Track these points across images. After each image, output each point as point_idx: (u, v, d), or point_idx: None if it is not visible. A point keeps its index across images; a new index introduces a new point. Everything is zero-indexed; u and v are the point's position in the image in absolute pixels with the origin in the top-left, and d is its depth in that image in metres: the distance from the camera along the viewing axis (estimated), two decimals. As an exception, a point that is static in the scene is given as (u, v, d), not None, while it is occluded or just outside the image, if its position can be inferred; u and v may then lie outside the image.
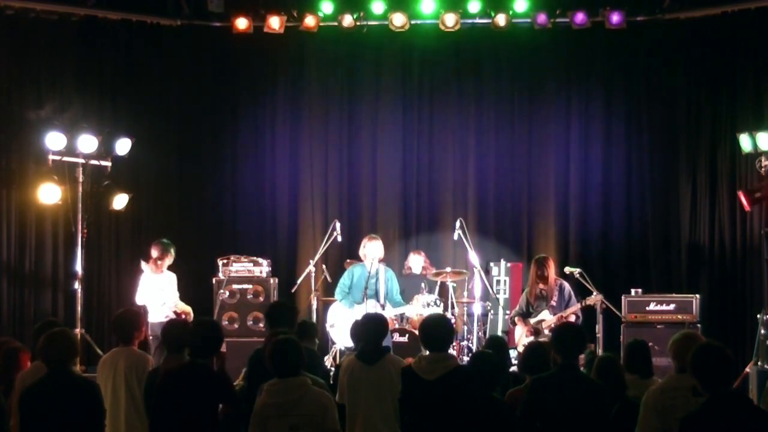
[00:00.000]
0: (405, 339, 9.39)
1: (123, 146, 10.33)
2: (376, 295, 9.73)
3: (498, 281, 10.95)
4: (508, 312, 10.21)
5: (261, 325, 9.96)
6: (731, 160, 10.67)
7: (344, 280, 9.92)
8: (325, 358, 9.39)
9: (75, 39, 10.87)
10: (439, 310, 9.58)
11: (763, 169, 9.77)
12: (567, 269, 9.71)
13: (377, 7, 11.03)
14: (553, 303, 9.32)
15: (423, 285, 9.87)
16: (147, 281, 9.35)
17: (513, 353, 8.80)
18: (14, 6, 10.51)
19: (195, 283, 10.33)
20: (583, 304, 9.25)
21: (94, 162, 10.22)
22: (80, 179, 10.14)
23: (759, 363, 8.71)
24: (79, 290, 10.06)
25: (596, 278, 9.75)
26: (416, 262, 10.25)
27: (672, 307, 9.61)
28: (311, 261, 10.22)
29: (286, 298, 9.83)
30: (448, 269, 10.13)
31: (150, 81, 11.31)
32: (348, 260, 10.39)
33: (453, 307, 9.94)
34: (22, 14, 10.56)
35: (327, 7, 11.10)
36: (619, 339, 9.57)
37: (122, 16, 11.10)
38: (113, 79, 11.12)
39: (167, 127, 11.47)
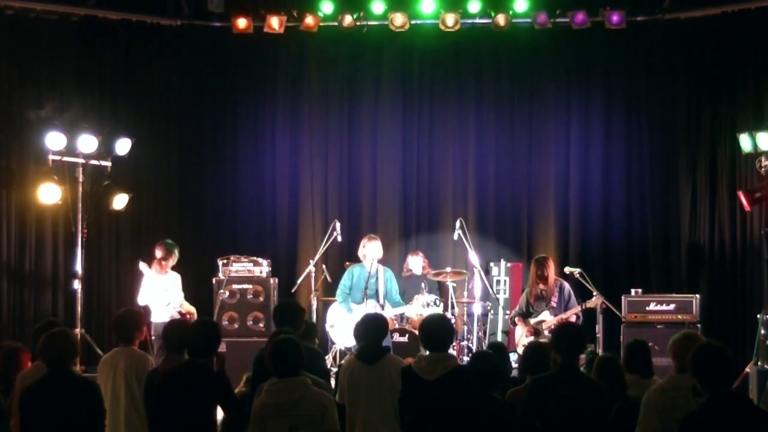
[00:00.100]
0: (405, 339, 9.40)
1: (123, 146, 10.33)
2: (375, 295, 9.74)
3: (498, 281, 10.95)
4: (508, 312, 10.21)
5: (261, 325, 9.96)
6: (731, 160, 10.67)
7: (345, 282, 9.93)
8: (325, 358, 9.38)
9: (75, 39, 10.86)
10: (439, 310, 9.59)
11: (763, 169, 9.77)
12: (567, 269, 9.71)
13: (377, 7, 11.02)
14: (554, 303, 9.32)
15: (423, 285, 9.88)
16: (150, 282, 9.34)
17: (513, 356, 8.79)
18: (14, 6, 10.50)
19: (195, 283, 10.33)
20: (584, 306, 9.25)
21: (94, 162, 10.21)
22: (80, 179, 10.14)
23: (759, 363, 8.71)
24: (79, 290, 10.06)
25: (596, 278, 9.75)
26: (415, 263, 10.25)
27: (672, 307, 9.61)
28: (311, 261, 10.22)
29: (293, 298, 9.84)
30: (448, 269, 10.13)
31: (150, 81, 11.31)
32: (347, 262, 10.39)
33: (453, 307, 9.94)
34: (22, 14, 10.56)
35: (327, 7, 11.10)
36: (619, 339, 9.57)
37: (122, 16, 11.10)
38: (113, 79, 11.12)
39: (167, 127, 11.47)
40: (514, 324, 9.61)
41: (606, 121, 11.47)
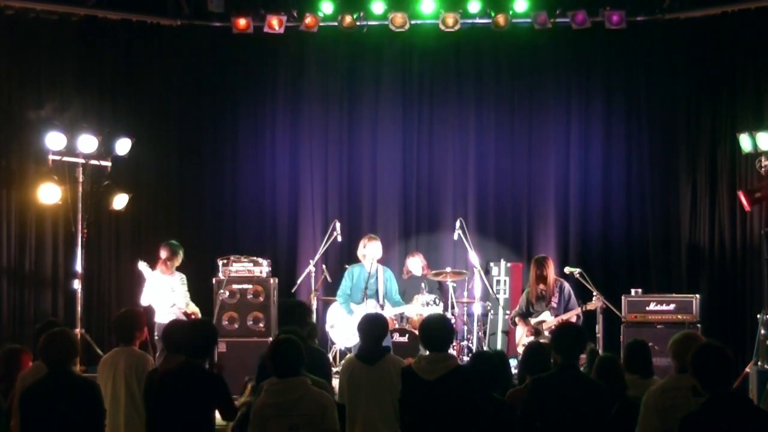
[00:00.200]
0: (405, 339, 9.40)
1: (123, 146, 10.32)
2: (375, 295, 9.74)
3: (498, 281, 10.95)
4: (508, 312, 10.22)
5: (261, 325, 9.96)
6: (731, 160, 10.67)
7: (345, 283, 9.93)
8: (329, 358, 9.38)
9: (75, 39, 10.86)
10: (439, 308, 9.60)
11: (763, 169, 9.77)
12: (567, 269, 9.71)
13: (377, 7, 11.02)
14: (554, 303, 9.32)
15: (423, 285, 9.88)
16: (155, 282, 9.33)
17: (513, 362, 8.78)
18: (14, 6, 10.50)
19: (195, 283, 10.31)
20: (584, 308, 9.26)
21: (94, 162, 10.21)
22: (80, 179, 10.13)
23: (759, 363, 8.71)
24: (79, 290, 10.06)
25: (596, 278, 9.75)
26: (414, 264, 10.26)
27: (672, 307, 9.60)
28: (311, 261, 10.22)
29: (298, 298, 9.85)
30: (448, 269, 10.14)
31: (150, 81, 11.31)
32: (347, 265, 10.38)
33: (453, 307, 9.94)
34: (22, 14, 10.56)
35: (327, 7, 11.09)
36: (619, 339, 9.57)
37: (122, 16, 11.09)
38: (113, 79, 11.12)
39: (167, 127, 11.47)
40: (515, 324, 9.61)
41: (606, 121, 11.47)
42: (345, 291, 9.88)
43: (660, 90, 11.31)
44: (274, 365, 5.00)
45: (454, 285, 10.22)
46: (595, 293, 9.31)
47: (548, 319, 9.27)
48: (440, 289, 10.26)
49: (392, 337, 9.28)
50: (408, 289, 10.02)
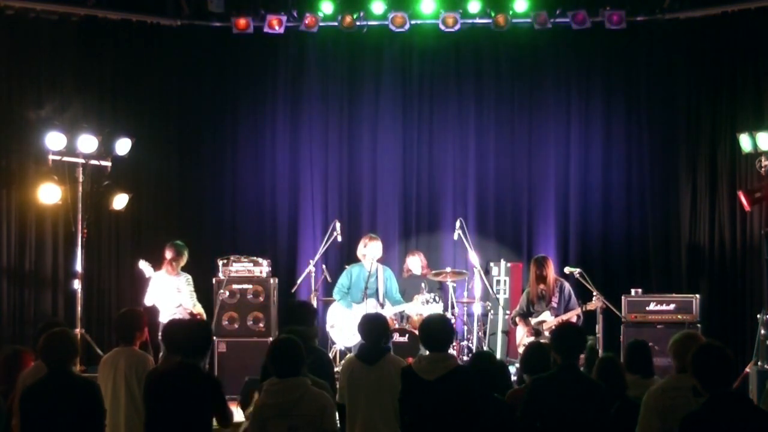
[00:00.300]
0: (405, 339, 9.40)
1: (123, 146, 10.32)
2: (375, 294, 9.74)
3: (498, 281, 10.95)
4: (508, 312, 10.22)
5: (261, 325, 9.96)
6: (731, 160, 10.67)
7: (342, 280, 9.95)
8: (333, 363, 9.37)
9: (75, 39, 10.85)
10: (439, 306, 9.59)
11: (763, 169, 9.78)
12: (567, 269, 9.71)
13: (377, 7, 11.02)
14: (554, 303, 9.32)
15: (423, 285, 9.88)
16: (160, 283, 9.31)
17: (512, 369, 8.77)
18: (14, 6, 10.49)
19: (195, 283, 10.31)
20: (584, 309, 9.26)
21: (94, 162, 10.21)
22: (80, 179, 10.13)
23: (759, 363, 8.71)
24: (79, 290, 10.06)
25: (596, 278, 9.75)
26: (414, 263, 10.26)
27: (672, 307, 9.61)
28: (311, 261, 10.22)
29: (304, 299, 9.85)
30: (448, 269, 10.14)
31: (150, 81, 11.30)
32: (346, 265, 10.38)
33: (453, 307, 9.94)
34: (22, 14, 10.56)
35: (327, 7, 11.09)
36: (619, 339, 9.57)
37: (122, 16, 11.09)
38: (113, 79, 11.11)
39: (167, 127, 11.46)
40: (515, 324, 9.61)
41: (606, 121, 11.47)
42: (341, 288, 9.91)
43: (660, 90, 11.31)
44: (274, 365, 4.99)
45: (454, 285, 10.22)
46: (595, 293, 9.31)
47: (548, 319, 9.27)
48: (440, 289, 10.26)
49: (392, 337, 9.27)
50: (408, 288, 10.03)
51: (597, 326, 9.40)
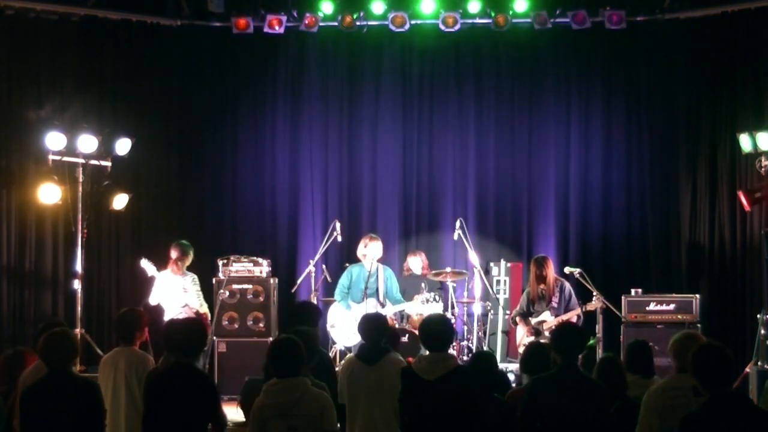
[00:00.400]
0: (405, 339, 9.39)
1: (123, 146, 10.32)
2: (375, 294, 9.74)
3: (498, 281, 10.95)
4: (508, 312, 10.22)
5: (261, 325, 9.96)
6: (731, 160, 10.67)
7: (343, 281, 9.95)
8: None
9: (75, 39, 10.85)
10: (439, 305, 9.59)
11: (763, 169, 9.78)
12: (567, 269, 9.71)
13: (377, 7, 11.02)
14: (554, 303, 9.32)
15: (423, 285, 9.88)
16: (165, 283, 9.30)
17: (513, 367, 8.78)
18: (14, 6, 10.50)
19: (195, 283, 10.35)
20: (584, 309, 9.26)
21: (94, 162, 10.21)
22: (80, 179, 10.13)
23: (759, 363, 8.71)
24: (79, 290, 10.06)
25: (596, 278, 9.75)
26: (415, 263, 10.26)
27: (672, 307, 9.61)
28: (311, 261, 10.22)
29: (307, 299, 9.85)
30: (448, 269, 10.14)
31: (150, 81, 11.31)
32: (347, 264, 10.38)
33: (453, 307, 9.94)
34: (22, 14, 10.56)
35: (327, 7, 11.09)
36: (619, 339, 9.57)
37: (122, 16, 11.09)
38: (113, 79, 11.11)
39: (167, 127, 11.46)
40: (515, 324, 9.62)
41: (606, 122, 11.46)
42: (342, 289, 9.90)
43: (660, 90, 11.31)
44: (274, 365, 4.99)
45: (454, 285, 10.22)
46: (595, 293, 9.31)
47: (548, 319, 9.27)
48: (440, 289, 10.26)
49: (400, 338, 9.26)
50: (408, 288, 10.02)
51: (597, 326, 9.40)
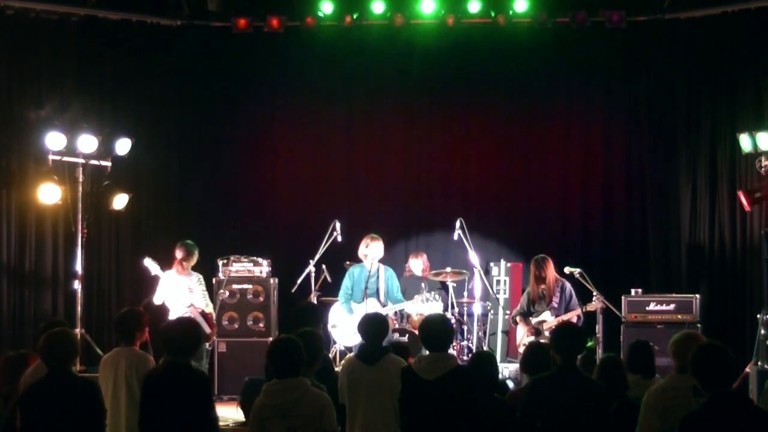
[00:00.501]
0: (405, 339, 9.39)
1: (123, 146, 10.32)
2: (376, 294, 9.74)
3: (498, 281, 10.95)
4: (508, 312, 10.22)
5: (261, 325, 9.97)
6: (731, 160, 10.67)
7: (346, 283, 9.89)
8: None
9: (75, 39, 10.86)
10: (439, 304, 9.59)
11: (763, 169, 9.77)
12: (567, 269, 9.69)
13: (377, 7, 11.03)
14: (554, 303, 9.32)
15: (423, 285, 9.88)
16: (170, 282, 9.29)
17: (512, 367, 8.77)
18: (14, 6, 10.50)
19: (196, 283, 10.35)
20: (584, 309, 9.26)
21: (94, 162, 10.21)
22: (80, 179, 10.13)
23: (759, 363, 8.71)
24: (79, 290, 10.06)
25: (596, 278, 9.74)
26: (416, 264, 10.26)
27: (672, 307, 9.61)
28: (311, 261, 10.21)
29: (308, 301, 9.86)
30: (448, 269, 10.13)
31: (150, 81, 11.31)
32: (347, 262, 10.37)
33: (453, 307, 9.94)
34: (22, 14, 10.56)
35: (327, 7, 11.10)
36: (619, 339, 9.57)
37: (122, 16, 11.09)
38: (113, 79, 11.12)
39: (167, 127, 11.47)
40: (515, 323, 9.61)
41: (606, 121, 11.47)
42: (346, 291, 9.86)
43: (660, 90, 11.31)
44: (274, 365, 4.99)
45: (454, 285, 10.22)
46: (595, 293, 9.31)
47: (548, 319, 9.27)
48: (441, 289, 10.26)
49: (392, 337, 9.27)
50: (408, 288, 10.02)
51: (597, 326, 9.40)
